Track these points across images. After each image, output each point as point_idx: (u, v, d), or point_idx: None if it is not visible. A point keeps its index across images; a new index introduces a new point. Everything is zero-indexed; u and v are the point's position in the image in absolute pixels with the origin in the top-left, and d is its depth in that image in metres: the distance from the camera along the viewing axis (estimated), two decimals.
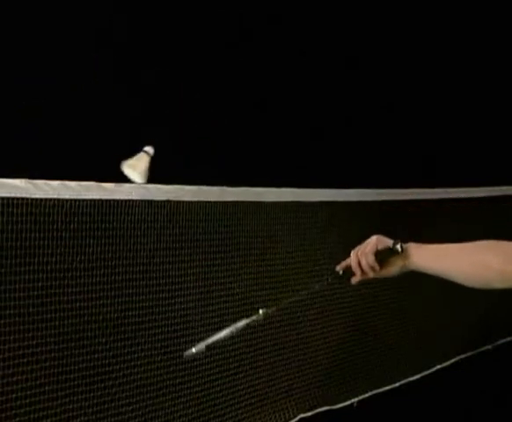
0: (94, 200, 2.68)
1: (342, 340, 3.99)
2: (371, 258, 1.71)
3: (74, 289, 2.69)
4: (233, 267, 3.31)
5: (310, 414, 3.72)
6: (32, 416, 2.55)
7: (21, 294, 2.52)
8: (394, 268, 1.73)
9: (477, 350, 4.88)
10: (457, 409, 4.00)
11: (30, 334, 2.56)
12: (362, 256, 1.72)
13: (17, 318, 2.51)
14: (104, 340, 2.81)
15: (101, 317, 2.79)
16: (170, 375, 3.06)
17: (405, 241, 1.72)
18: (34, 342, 2.58)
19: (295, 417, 3.65)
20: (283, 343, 3.64)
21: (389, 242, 1.72)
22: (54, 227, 2.59)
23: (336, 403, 3.89)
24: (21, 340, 2.52)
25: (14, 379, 2.50)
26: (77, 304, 2.70)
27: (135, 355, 2.92)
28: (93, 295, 2.75)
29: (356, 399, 3.99)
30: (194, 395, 3.16)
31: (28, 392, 2.54)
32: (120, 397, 2.86)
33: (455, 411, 3.97)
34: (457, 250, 1.66)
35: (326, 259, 3.74)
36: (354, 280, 1.76)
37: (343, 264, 1.79)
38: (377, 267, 1.71)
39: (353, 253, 1.76)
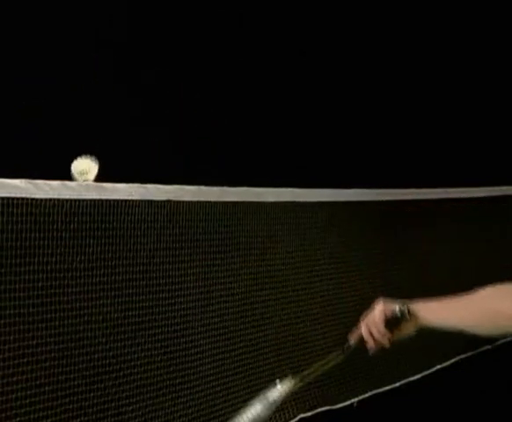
0: (94, 200, 2.67)
1: (343, 340, 3.95)
2: (382, 328, 1.70)
3: (74, 289, 2.69)
4: (233, 267, 3.31)
5: (310, 414, 3.72)
6: (32, 416, 2.55)
7: (21, 294, 2.51)
8: (407, 331, 1.72)
9: (477, 350, 4.87)
10: (457, 409, 3.99)
11: (30, 334, 2.56)
12: (373, 326, 1.71)
13: (17, 318, 2.50)
14: (104, 340, 2.81)
15: (101, 317, 2.79)
16: (170, 375, 3.06)
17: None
18: (34, 342, 2.58)
19: (295, 417, 3.64)
20: (283, 343, 3.63)
21: (394, 306, 1.71)
22: (54, 227, 2.59)
23: (336, 403, 3.88)
24: (21, 340, 2.52)
25: (14, 379, 2.50)
26: (77, 304, 2.69)
27: (135, 355, 2.92)
28: (93, 295, 2.75)
29: (356, 399, 3.98)
30: (195, 395, 3.15)
31: (28, 392, 2.54)
32: (120, 397, 2.86)
33: (455, 411, 3.96)
34: (465, 302, 1.63)
35: (326, 259, 3.74)
36: (372, 351, 1.74)
37: (355, 334, 1.77)
38: (390, 335, 1.70)
39: (362, 324, 1.74)
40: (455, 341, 4.69)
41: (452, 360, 4.70)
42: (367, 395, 4.04)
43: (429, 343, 4.52)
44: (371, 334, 1.71)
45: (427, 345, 4.49)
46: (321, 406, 3.79)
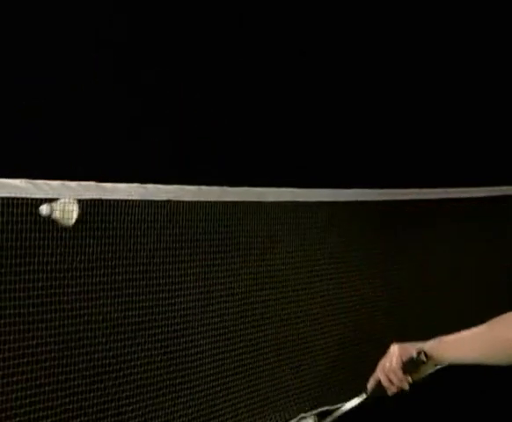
0: (94, 200, 2.66)
1: (343, 340, 3.98)
2: (400, 374, 1.72)
3: (74, 289, 2.69)
4: (233, 267, 3.30)
5: (310, 414, 3.66)
6: (32, 416, 2.54)
7: (21, 294, 2.51)
8: (425, 372, 1.75)
9: None
10: (456, 409, 4.04)
11: (30, 334, 2.56)
12: (390, 373, 1.72)
13: (17, 318, 2.50)
14: (104, 340, 2.80)
15: (101, 317, 2.79)
16: (170, 375, 3.05)
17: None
18: (34, 342, 2.57)
19: (295, 417, 3.63)
20: (284, 343, 3.62)
21: (411, 349, 1.73)
22: (54, 227, 2.58)
23: (336, 403, 3.85)
24: (21, 340, 2.52)
25: (14, 379, 2.50)
26: (77, 304, 2.70)
27: (135, 355, 2.92)
28: (93, 295, 2.75)
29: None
30: (195, 395, 3.15)
31: (28, 392, 2.53)
32: (119, 397, 2.85)
33: (454, 412, 4.00)
34: (477, 334, 1.65)
35: (326, 259, 3.73)
36: (392, 394, 1.78)
37: (372, 382, 1.80)
38: (409, 379, 1.73)
39: (380, 372, 1.76)
40: None
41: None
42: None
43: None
44: (390, 381, 1.73)
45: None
46: (321, 406, 3.75)
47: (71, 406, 2.69)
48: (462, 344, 1.67)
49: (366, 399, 1.86)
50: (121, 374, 2.86)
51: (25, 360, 2.55)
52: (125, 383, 2.87)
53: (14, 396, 2.50)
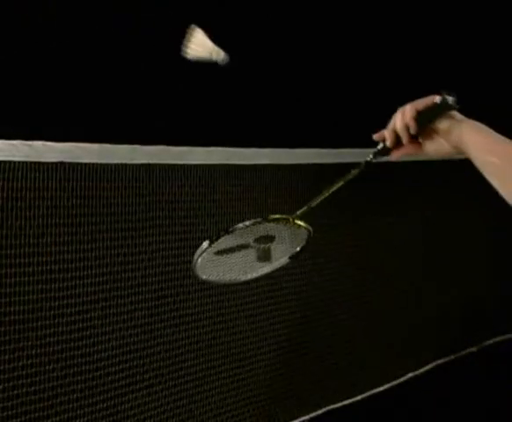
0: None
1: (343, 340, 3.85)
2: (411, 111, 1.39)
3: None
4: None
5: (310, 414, 3.63)
6: (32, 416, 2.50)
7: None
8: (435, 143, 1.42)
9: (460, 353, 4.62)
10: (449, 410, 3.86)
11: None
12: (404, 111, 1.40)
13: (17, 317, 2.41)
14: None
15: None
16: (164, 370, 2.93)
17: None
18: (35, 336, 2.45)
19: (295, 417, 3.56)
20: (284, 342, 3.51)
21: (430, 98, 1.40)
22: None
23: (336, 403, 3.77)
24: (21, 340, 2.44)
25: (14, 381, 2.43)
26: None
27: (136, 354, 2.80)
28: None
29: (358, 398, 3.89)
30: (197, 396, 3.06)
31: (29, 390, 2.47)
32: (118, 394, 2.77)
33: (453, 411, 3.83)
34: (503, 141, 1.34)
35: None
36: (394, 155, 1.46)
37: (383, 131, 1.46)
38: (413, 125, 1.38)
39: (399, 110, 1.43)
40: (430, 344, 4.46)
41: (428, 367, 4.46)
42: (366, 394, 3.93)
43: (427, 340, 4.38)
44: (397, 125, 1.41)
45: (425, 343, 4.38)
46: (321, 406, 3.68)
47: (71, 406, 2.61)
48: (489, 141, 1.35)
49: (368, 163, 1.49)
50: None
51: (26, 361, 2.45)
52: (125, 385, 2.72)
53: (15, 392, 2.43)
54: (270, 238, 1.56)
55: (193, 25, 1.79)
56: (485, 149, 1.33)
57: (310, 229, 1.55)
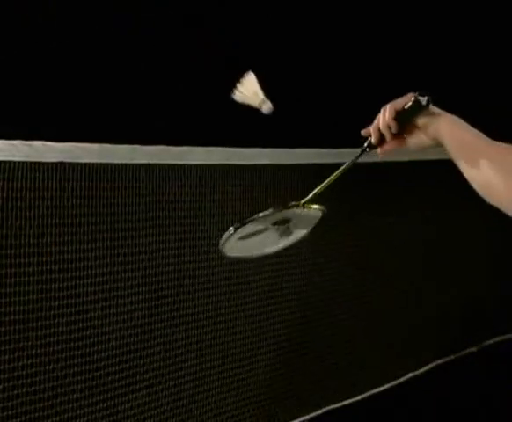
0: None
1: (343, 340, 3.83)
2: (390, 112, 1.46)
3: None
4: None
5: (310, 414, 3.62)
6: (32, 416, 2.49)
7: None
8: (416, 137, 1.48)
9: (460, 353, 4.60)
10: (449, 410, 3.87)
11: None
12: (385, 112, 1.48)
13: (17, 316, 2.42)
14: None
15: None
16: (164, 370, 2.92)
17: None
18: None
19: (295, 417, 3.55)
20: (284, 342, 3.49)
21: (409, 96, 1.47)
22: None
23: (336, 403, 3.77)
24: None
25: (14, 381, 2.43)
26: None
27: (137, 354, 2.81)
28: None
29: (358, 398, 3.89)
30: (197, 396, 3.05)
31: (29, 390, 2.47)
32: (118, 394, 2.76)
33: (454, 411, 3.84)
34: (479, 141, 1.39)
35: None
36: (380, 151, 1.53)
37: (369, 128, 1.54)
38: (393, 125, 1.46)
39: (382, 109, 1.51)
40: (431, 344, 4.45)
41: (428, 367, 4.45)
42: (366, 394, 3.91)
43: (426, 339, 4.37)
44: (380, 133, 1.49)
45: (424, 342, 4.37)
46: (321, 407, 3.68)
47: (71, 406, 2.62)
48: (462, 134, 1.41)
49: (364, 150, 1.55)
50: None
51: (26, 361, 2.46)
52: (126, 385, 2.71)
53: (16, 392, 2.43)
54: (287, 220, 1.63)
55: (250, 72, 1.84)
56: (457, 141, 1.39)
57: (323, 207, 1.61)
